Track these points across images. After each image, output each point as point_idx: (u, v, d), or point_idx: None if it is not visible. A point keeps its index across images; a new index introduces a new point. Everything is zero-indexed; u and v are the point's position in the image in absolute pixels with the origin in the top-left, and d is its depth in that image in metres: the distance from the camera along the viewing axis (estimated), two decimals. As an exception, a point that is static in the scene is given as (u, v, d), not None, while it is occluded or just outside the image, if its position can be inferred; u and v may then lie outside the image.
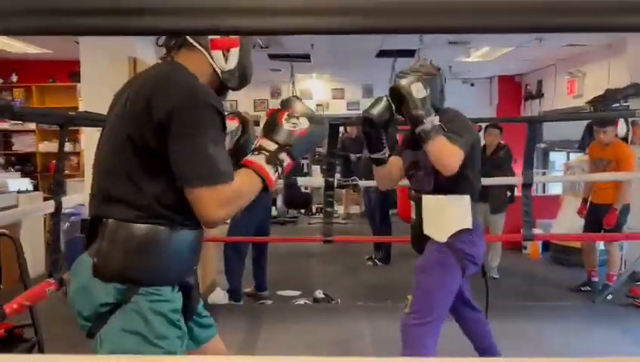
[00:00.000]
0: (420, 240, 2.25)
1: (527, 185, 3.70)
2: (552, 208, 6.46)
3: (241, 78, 1.48)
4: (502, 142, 5.33)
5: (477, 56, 7.76)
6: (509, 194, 5.37)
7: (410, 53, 7.17)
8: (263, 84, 10.52)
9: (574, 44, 6.89)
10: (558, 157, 8.60)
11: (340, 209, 9.62)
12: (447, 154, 2.03)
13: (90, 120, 3.50)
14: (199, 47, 1.41)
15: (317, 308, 4.15)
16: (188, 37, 1.41)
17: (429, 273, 2.17)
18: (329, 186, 3.66)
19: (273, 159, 1.40)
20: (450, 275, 2.15)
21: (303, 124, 1.45)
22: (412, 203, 2.29)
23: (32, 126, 7.16)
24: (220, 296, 4.28)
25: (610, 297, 4.41)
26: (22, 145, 7.40)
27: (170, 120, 1.26)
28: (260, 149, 1.41)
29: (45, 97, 7.30)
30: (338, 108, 10.59)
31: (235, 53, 1.44)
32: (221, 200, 1.29)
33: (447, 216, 2.18)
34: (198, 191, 1.28)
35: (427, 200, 2.19)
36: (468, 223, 2.17)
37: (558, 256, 5.99)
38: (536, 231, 6.33)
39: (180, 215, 1.33)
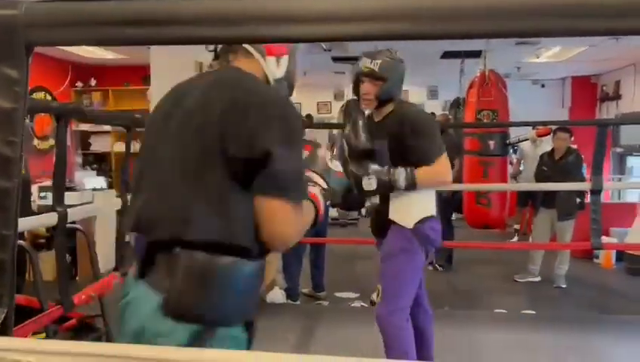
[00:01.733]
0: (384, 226, 2.34)
1: (596, 192, 3.53)
2: (627, 216, 6.12)
3: (290, 86, 1.42)
4: (572, 146, 5.12)
5: (547, 57, 7.48)
6: (578, 200, 5.13)
7: (476, 54, 7.01)
8: (326, 86, 10.61)
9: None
10: (636, 163, 8.12)
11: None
12: (437, 179, 2.25)
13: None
14: (256, 53, 1.34)
15: (373, 311, 4.13)
16: (247, 45, 1.34)
17: (397, 259, 2.26)
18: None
19: (324, 193, 1.35)
20: (415, 260, 2.27)
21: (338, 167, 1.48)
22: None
23: (108, 128, 7.56)
24: (277, 295, 4.36)
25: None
26: (98, 145, 7.84)
27: (266, 132, 1.13)
28: (311, 180, 1.35)
29: (120, 100, 7.70)
30: (402, 111, 10.51)
31: (285, 60, 1.38)
32: (299, 221, 1.18)
33: (414, 203, 2.27)
34: (285, 207, 1.13)
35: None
36: (432, 210, 2.30)
37: (634, 267, 5.66)
38: (610, 239, 6.05)
39: (259, 243, 1.15)
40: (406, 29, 0.74)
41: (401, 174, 2.18)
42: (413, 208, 2.26)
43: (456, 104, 6.98)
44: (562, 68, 8.59)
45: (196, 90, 1.22)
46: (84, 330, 2.88)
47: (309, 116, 7.07)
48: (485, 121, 5.17)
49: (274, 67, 1.36)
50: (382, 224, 2.36)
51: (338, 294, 4.82)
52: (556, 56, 7.37)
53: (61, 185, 2.16)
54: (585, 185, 3.74)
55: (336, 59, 7.52)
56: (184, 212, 1.11)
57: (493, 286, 5.20)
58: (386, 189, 2.22)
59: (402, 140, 2.21)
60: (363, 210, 8.78)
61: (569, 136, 5.01)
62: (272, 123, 1.15)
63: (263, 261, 1.18)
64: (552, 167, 5.06)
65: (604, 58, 7.69)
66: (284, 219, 1.14)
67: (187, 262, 1.09)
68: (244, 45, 1.34)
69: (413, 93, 10.55)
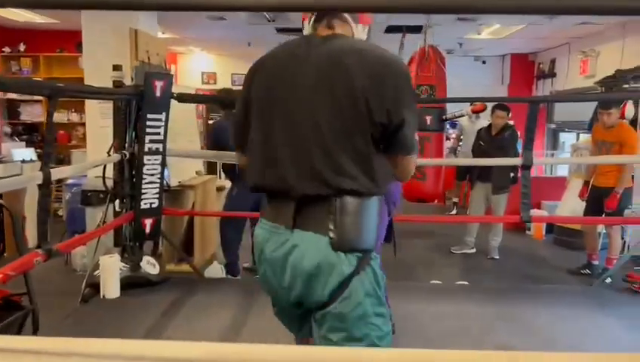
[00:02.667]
0: None
1: (526, 167, 3.66)
2: (558, 190, 6.41)
3: None
4: (509, 122, 5.27)
5: (488, 34, 7.62)
6: (512, 175, 5.32)
7: (418, 29, 7.05)
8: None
9: (588, 22, 6.73)
10: (568, 138, 8.48)
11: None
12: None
13: (80, 92, 3.53)
14: (351, 20, 1.49)
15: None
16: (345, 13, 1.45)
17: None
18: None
19: None
20: (384, 214, 2.46)
21: None
22: None
23: (40, 96, 7.17)
24: (217, 270, 4.32)
25: (609, 281, 4.39)
26: (28, 114, 7.44)
27: (402, 101, 1.38)
28: None
29: (52, 67, 7.31)
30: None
31: (367, 29, 1.54)
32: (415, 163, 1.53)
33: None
34: (412, 160, 1.48)
35: None
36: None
37: (562, 238, 5.96)
38: (541, 212, 6.32)
39: (379, 183, 1.42)
40: (351, 2, 0.74)
41: None
42: None
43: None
44: (502, 45, 8.78)
45: (328, 59, 1.37)
46: (9, 308, 2.77)
47: (226, 90, 7.03)
48: (423, 96, 5.24)
49: (363, 34, 1.52)
50: None
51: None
52: (496, 33, 7.52)
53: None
54: (517, 161, 3.86)
55: (280, 30, 7.39)
56: (339, 169, 1.35)
57: (430, 258, 5.36)
58: None
59: None
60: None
61: (506, 113, 5.15)
62: (406, 93, 1.40)
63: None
64: (488, 142, 5.20)
65: (542, 36, 7.91)
66: (411, 168, 1.49)
67: (349, 206, 1.36)
68: (346, 16, 1.47)
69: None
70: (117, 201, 3.76)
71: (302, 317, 1.54)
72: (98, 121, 4.68)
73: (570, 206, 5.80)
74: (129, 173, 3.61)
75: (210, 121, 8.99)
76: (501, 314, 3.40)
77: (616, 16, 5.79)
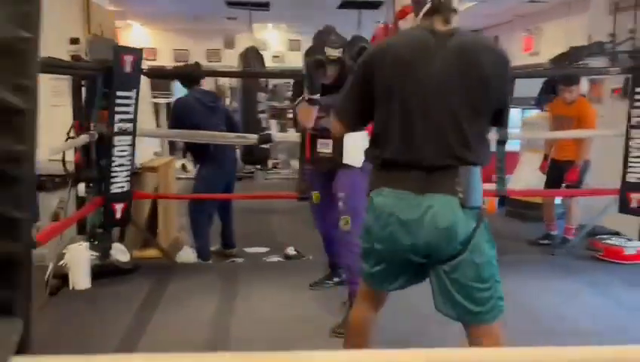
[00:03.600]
0: (334, 168, 2.84)
1: (501, 142, 3.73)
2: (509, 164, 6.61)
3: None
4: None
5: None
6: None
7: (374, 5, 7.02)
8: (216, 33, 10.11)
9: (535, 0, 6.93)
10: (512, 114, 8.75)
11: (295, 164, 9.53)
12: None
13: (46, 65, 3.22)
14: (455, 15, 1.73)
15: (289, 265, 4.12)
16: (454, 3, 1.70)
17: (358, 195, 2.49)
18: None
19: None
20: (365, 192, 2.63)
21: None
22: (326, 141, 2.84)
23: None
24: (189, 255, 4.16)
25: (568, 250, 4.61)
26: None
27: (507, 85, 1.82)
28: None
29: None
30: (295, 60, 10.35)
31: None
32: None
33: (359, 148, 2.51)
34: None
35: (348, 137, 2.49)
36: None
37: (515, 211, 6.17)
38: (493, 185, 6.53)
39: (488, 159, 1.81)
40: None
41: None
42: (360, 151, 2.47)
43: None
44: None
45: (461, 52, 1.66)
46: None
47: (197, 64, 6.73)
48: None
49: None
50: (332, 167, 2.84)
51: (248, 249, 4.71)
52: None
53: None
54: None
55: (230, 4, 7.14)
56: (467, 144, 1.66)
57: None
58: None
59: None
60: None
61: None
62: (509, 81, 1.84)
63: None
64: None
65: (487, 14, 8.08)
66: None
67: (470, 173, 1.66)
68: (455, 8, 1.70)
69: (306, 42, 10.41)
70: (80, 186, 3.50)
71: (412, 272, 1.79)
72: (49, 99, 4.34)
73: (524, 179, 6.02)
74: (96, 155, 3.36)
75: (155, 100, 8.58)
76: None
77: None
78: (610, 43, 5.00)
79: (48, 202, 4.07)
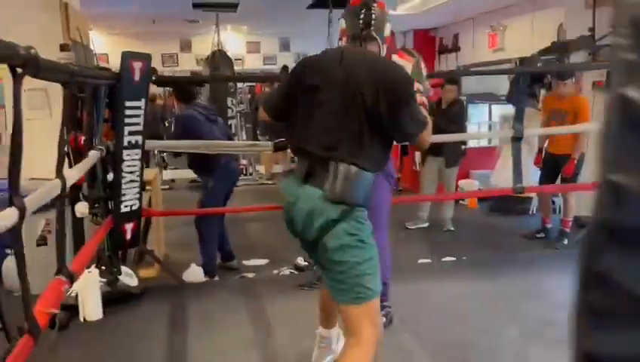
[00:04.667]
0: None
1: (517, 139, 3.71)
2: (489, 159, 6.71)
3: None
4: (458, 97, 5.35)
5: (405, 9, 7.70)
6: (463, 147, 5.44)
7: (343, 3, 6.90)
8: (172, 36, 9.71)
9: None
10: (475, 110, 8.88)
11: (260, 169, 9.31)
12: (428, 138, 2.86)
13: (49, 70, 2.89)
14: (380, 42, 2.01)
15: (306, 277, 3.92)
16: (374, 34, 1.98)
17: (378, 196, 2.66)
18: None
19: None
20: (386, 191, 2.92)
21: None
22: None
23: None
24: (196, 273, 3.88)
25: (566, 242, 4.68)
26: None
27: (402, 99, 1.86)
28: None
29: None
30: (254, 63, 10.11)
31: (386, 47, 2.05)
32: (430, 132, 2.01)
33: None
34: (422, 134, 1.95)
35: None
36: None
37: (499, 206, 6.25)
38: (472, 181, 6.60)
39: (375, 165, 1.90)
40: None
41: None
42: None
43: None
44: (406, 21, 8.94)
45: (353, 64, 1.89)
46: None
47: (153, 70, 6.46)
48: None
49: (384, 51, 2.04)
50: None
51: (247, 262, 4.48)
52: (415, 8, 7.61)
53: None
54: (509, 132, 3.89)
55: (196, 5, 6.82)
56: (338, 143, 1.84)
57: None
58: None
59: None
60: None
61: (457, 87, 5.22)
62: (402, 90, 1.89)
63: (374, 174, 1.91)
64: (439, 116, 5.21)
65: (454, 11, 8.17)
66: (424, 139, 2.01)
67: (338, 169, 1.81)
68: (374, 35, 1.98)
69: (265, 44, 10.20)
70: (79, 206, 3.17)
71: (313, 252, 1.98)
72: (24, 111, 3.93)
73: (505, 174, 6.09)
74: (102, 171, 3.06)
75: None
76: (510, 286, 3.44)
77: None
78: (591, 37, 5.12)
79: (34, 226, 3.70)
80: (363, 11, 1.99)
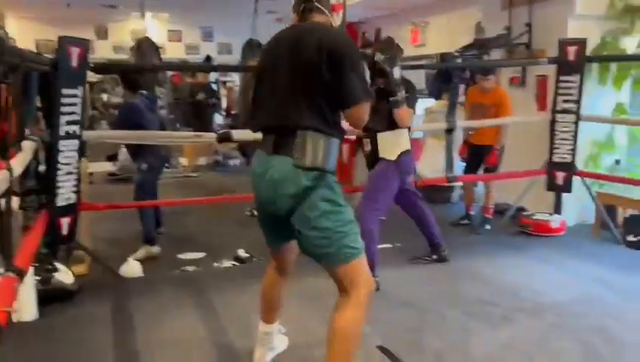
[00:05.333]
0: (374, 162, 3.37)
1: (450, 131, 3.91)
2: (413, 150, 6.95)
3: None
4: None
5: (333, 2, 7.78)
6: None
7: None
8: (87, 22, 9.21)
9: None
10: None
11: (183, 161, 9.09)
12: (407, 118, 3.23)
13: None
14: (326, 11, 2.02)
15: (250, 269, 3.90)
16: (318, 4, 1.99)
17: (375, 176, 3.32)
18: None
19: None
20: (390, 181, 3.29)
21: None
22: (366, 140, 3.37)
23: None
24: (134, 268, 3.75)
25: (488, 227, 4.99)
26: None
27: (344, 62, 1.86)
28: None
29: None
30: (175, 52, 9.82)
31: (340, 14, 2.09)
32: (367, 111, 1.95)
33: (396, 143, 3.29)
34: (362, 105, 1.90)
35: (382, 135, 3.28)
36: (408, 146, 3.38)
37: (422, 195, 6.50)
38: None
39: (337, 130, 1.96)
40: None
41: (402, 93, 3.14)
42: (396, 146, 3.25)
43: (252, 47, 6.82)
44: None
45: (303, 35, 1.93)
46: None
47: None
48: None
49: (336, 20, 2.07)
50: (372, 162, 3.36)
51: (182, 256, 4.39)
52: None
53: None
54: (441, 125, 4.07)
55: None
56: (301, 113, 1.90)
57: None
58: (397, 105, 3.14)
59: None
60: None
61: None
62: (348, 57, 1.90)
63: (338, 140, 1.99)
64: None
65: (377, 6, 8.36)
66: (363, 112, 1.95)
67: (307, 137, 1.89)
68: (319, 6, 2.00)
69: (187, 34, 9.94)
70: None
71: (279, 227, 2.04)
72: None
73: (431, 165, 6.38)
74: (35, 163, 2.87)
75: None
76: (457, 272, 3.62)
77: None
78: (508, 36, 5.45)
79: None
80: None
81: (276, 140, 1.93)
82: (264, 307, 2.33)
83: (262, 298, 2.33)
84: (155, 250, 4.38)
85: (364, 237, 2.71)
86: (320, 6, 2.00)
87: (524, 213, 4.60)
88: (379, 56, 3.09)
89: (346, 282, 1.93)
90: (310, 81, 1.88)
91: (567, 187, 4.31)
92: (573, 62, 4.04)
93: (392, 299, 3.13)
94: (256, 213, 6.03)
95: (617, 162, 5.05)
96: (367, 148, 3.38)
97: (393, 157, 3.28)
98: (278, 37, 2.05)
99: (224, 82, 10.64)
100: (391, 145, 3.27)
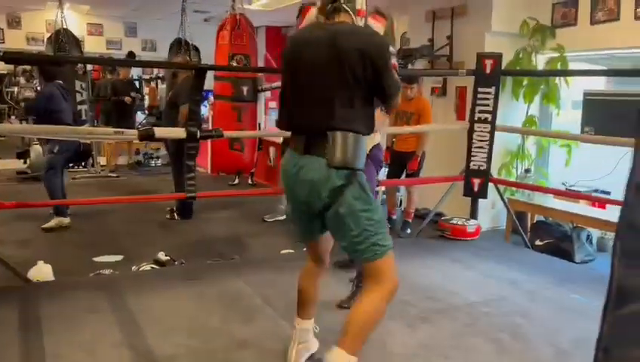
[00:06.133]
0: None
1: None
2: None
3: None
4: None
5: (259, 5, 7.73)
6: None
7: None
8: (-3, 10, 8.64)
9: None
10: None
11: (102, 160, 8.71)
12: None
13: None
14: (352, 14, 2.04)
15: (171, 272, 3.78)
16: (345, 6, 2.01)
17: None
18: (192, 137, 3.31)
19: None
20: (371, 174, 3.02)
21: None
22: None
23: None
24: (44, 271, 3.53)
25: (409, 231, 5.14)
26: None
27: (384, 62, 1.98)
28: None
29: None
30: (96, 46, 9.40)
31: (363, 19, 2.11)
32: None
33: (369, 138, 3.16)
34: (398, 96, 2.11)
35: None
36: (378, 140, 3.28)
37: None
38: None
39: (366, 127, 2.03)
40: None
41: None
42: (368, 140, 3.07)
43: (181, 46, 6.68)
44: (259, 17, 9.00)
45: (332, 35, 1.97)
46: None
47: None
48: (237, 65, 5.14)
49: (360, 23, 2.09)
50: None
51: (97, 259, 4.20)
52: (269, 5, 7.69)
53: None
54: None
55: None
56: (333, 114, 1.94)
57: (248, 229, 5.35)
58: None
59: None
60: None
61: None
62: (380, 56, 2.00)
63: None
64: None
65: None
66: (396, 102, 2.18)
67: (339, 137, 1.94)
68: (346, 7, 2.03)
69: (109, 28, 9.54)
70: None
71: (312, 222, 2.14)
72: None
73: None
74: None
75: None
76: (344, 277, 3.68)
77: None
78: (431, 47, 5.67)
79: None
80: None
81: (308, 140, 1.99)
82: (302, 301, 2.36)
83: (299, 292, 2.36)
84: (67, 220, 4.79)
85: None
86: (347, 8, 2.04)
87: (443, 218, 4.78)
88: None
89: (373, 277, 2.02)
90: (347, 81, 1.93)
91: (482, 193, 4.52)
92: (490, 75, 4.26)
93: (319, 300, 3.14)
94: (176, 216, 5.91)
95: (527, 171, 5.38)
96: None
97: (366, 150, 3.20)
98: (307, 36, 2.06)
99: (147, 79, 10.32)
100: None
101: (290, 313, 2.89)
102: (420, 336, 2.75)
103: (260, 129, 6.69)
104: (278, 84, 5.42)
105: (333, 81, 1.95)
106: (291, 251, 4.36)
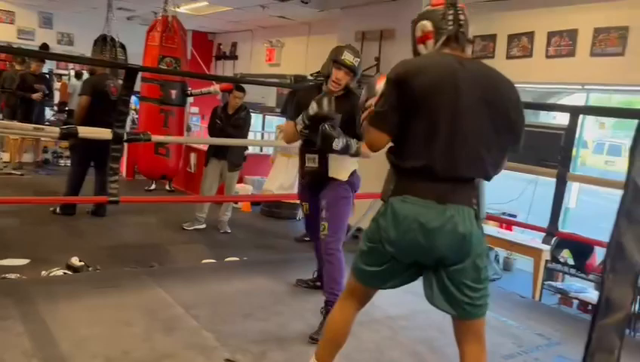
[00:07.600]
0: (322, 181, 3.01)
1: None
2: (262, 166, 7.06)
3: None
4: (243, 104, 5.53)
5: (188, 9, 7.62)
6: (245, 153, 5.65)
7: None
8: None
9: (283, 16, 7.52)
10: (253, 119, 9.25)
11: (4, 156, 8.13)
12: (367, 153, 2.48)
13: None
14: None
15: (86, 278, 3.59)
16: (470, 36, 1.94)
17: (339, 204, 2.99)
18: (118, 139, 3.18)
19: None
20: (349, 203, 3.05)
21: None
22: (312, 156, 2.99)
23: None
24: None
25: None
26: None
27: (521, 109, 1.94)
28: None
29: None
30: (5, 34, 8.80)
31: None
32: None
33: (346, 164, 3.01)
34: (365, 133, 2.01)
35: (334, 155, 2.91)
36: (356, 166, 3.10)
37: (269, 210, 6.63)
38: (248, 187, 6.88)
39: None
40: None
41: (354, 144, 2.78)
42: (346, 167, 2.99)
43: (106, 43, 6.41)
44: (188, 21, 8.86)
45: (485, 78, 1.90)
46: None
47: None
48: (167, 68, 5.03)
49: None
50: (320, 180, 3.00)
51: (3, 262, 3.92)
52: (198, 10, 7.60)
53: None
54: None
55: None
56: (484, 160, 1.87)
57: (166, 237, 5.21)
58: (341, 152, 2.77)
59: (353, 117, 2.66)
60: None
61: (243, 94, 5.40)
62: (521, 104, 1.98)
63: None
64: (225, 121, 5.35)
65: (233, 20, 8.37)
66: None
67: (480, 185, 1.89)
68: (471, 39, 1.96)
69: (22, 16, 8.97)
70: None
71: (411, 273, 1.97)
72: None
73: (278, 181, 6.53)
74: None
75: None
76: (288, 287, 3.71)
77: (307, 11, 6.67)
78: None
79: None
80: (451, 11, 1.93)
81: (453, 187, 1.83)
82: (331, 346, 2.15)
83: (333, 336, 2.14)
84: None
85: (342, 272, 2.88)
86: (470, 37, 1.95)
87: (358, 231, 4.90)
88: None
89: (481, 332, 1.95)
90: (503, 128, 1.87)
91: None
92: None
93: (239, 311, 3.12)
94: (57, 210, 5.59)
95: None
96: (313, 165, 3.02)
97: (345, 178, 2.99)
98: (444, 66, 1.86)
99: (59, 75, 9.78)
100: (341, 164, 2.98)
101: (214, 323, 2.87)
102: (343, 349, 2.79)
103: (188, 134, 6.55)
104: (210, 89, 5.44)
105: (492, 125, 1.89)
106: (213, 261, 4.30)
